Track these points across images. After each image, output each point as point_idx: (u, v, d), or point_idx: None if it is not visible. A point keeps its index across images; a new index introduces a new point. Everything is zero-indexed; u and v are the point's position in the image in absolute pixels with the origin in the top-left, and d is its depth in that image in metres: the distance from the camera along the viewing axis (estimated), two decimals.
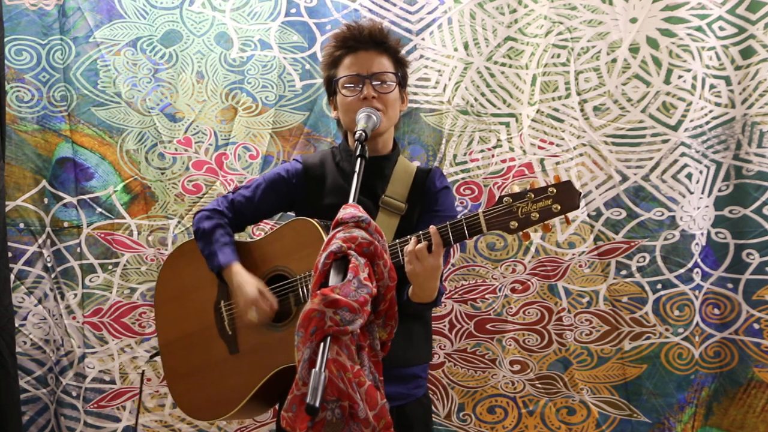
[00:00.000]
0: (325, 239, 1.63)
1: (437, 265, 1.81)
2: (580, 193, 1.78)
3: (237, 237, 2.21)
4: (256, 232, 2.83)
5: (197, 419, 2.28)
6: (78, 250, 2.87)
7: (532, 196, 1.73)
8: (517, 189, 1.77)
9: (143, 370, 2.84)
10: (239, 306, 2.06)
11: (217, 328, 2.13)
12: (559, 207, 1.72)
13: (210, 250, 2.11)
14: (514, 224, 1.75)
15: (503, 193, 1.82)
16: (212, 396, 2.12)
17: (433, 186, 2.14)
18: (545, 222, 1.75)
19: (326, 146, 2.85)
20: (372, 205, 2.06)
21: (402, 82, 2.14)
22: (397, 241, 1.88)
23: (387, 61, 2.11)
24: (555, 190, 1.72)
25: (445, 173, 2.84)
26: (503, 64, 2.84)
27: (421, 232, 1.83)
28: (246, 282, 2.04)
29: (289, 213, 2.30)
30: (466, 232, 1.80)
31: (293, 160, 2.22)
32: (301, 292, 2.00)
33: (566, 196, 1.72)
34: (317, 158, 2.20)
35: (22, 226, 2.87)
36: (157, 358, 2.41)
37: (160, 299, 2.28)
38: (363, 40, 2.10)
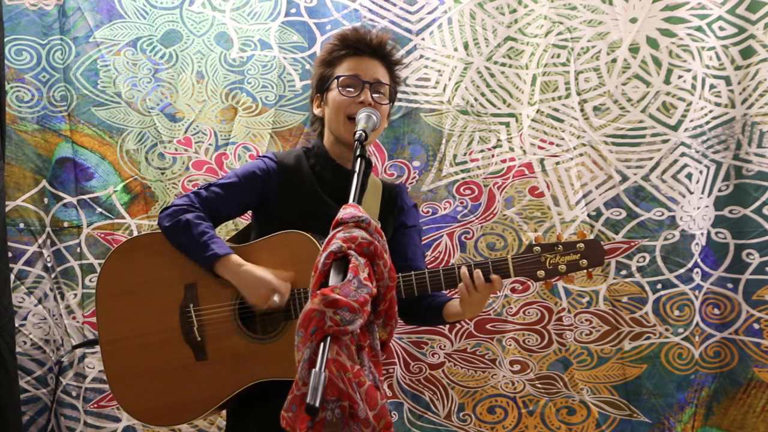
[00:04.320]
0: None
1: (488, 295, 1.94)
2: (606, 251, 1.93)
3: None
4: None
5: (146, 423, 2.16)
6: (78, 250, 2.87)
7: (561, 249, 1.88)
8: (532, 238, 1.93)
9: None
10: (255, 292, 1.93)
11: (183, 331, 2.02)
12: (586, 262, 1.88)
13: (199, 241, 1.97)
14: (541, 273, 1.89)
15: (533, 242, 1.90)
16: (171, 400, 2.02)
17: (404, 203, 2.19)
18: (570, 275, 1.89)
19: None
20: None
21: (392, 99, 2.15)
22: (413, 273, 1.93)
23: (387, 74, 2.12)
24: (583, 246, 1.88)
25: (445, 173, 2.87)
26: (503, 64, 2.84)
27: (484, 262, 1.91)
28: (256, 268, 1.95)
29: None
30: (490, 270, 1.90)
31: (266, 157, 2.13)
32: (291, 308, 1.96)
33: (593, 253, 1.88)
34: (291, 159, 2.14)
35: (22, 226, 2.87)
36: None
37: (104, 293, 2.11)
38: (370, 47, 2.09)
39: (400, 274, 1.90)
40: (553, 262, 1.87)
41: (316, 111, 2.16)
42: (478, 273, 1.87)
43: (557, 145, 2.83)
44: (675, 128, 2.77)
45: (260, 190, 2.09)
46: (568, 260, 1.87)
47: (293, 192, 2.08)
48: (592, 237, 1.89)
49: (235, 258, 1.98)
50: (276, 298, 1.91)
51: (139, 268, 2.08)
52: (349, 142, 2.04)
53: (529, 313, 2.84)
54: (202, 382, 2.00)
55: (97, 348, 2.85)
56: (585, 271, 1.89)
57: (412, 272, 1.94)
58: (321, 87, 2.14)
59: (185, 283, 2.04)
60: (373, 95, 2.06)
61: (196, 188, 2.10)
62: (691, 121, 2.77)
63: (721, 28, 2.74)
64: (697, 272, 2.78)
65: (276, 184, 2.09)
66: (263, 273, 1.94)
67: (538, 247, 1.88)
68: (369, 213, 2.05)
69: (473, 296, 1.88)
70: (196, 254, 1.99)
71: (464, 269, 1.89)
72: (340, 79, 2.07)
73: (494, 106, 2.85)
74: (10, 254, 2.83)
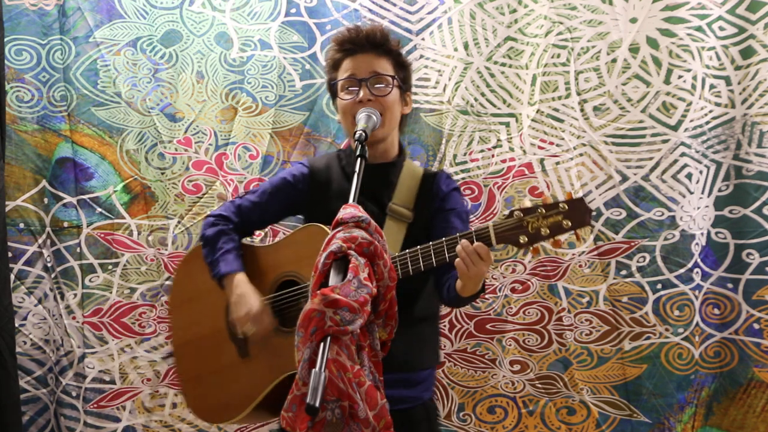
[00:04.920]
0: None
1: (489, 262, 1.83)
2: (592, 210, 1.79)
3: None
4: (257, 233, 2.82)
5: (209, 422, 2.28)
6: (78, 250, 2.87)
7: (543, 211, 1.74)
8: (528, 204, 1.77)
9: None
10: (235, 317, 2.04)
11: (228, 331, 2.12)
12: (569, 223, 1.73)
13: (212, 258, 2.11)
14: (523, 239, 1.76)
15: (514, 208, 1.81)
16: (222, 399, 2.11)
17: (440, 190, 2.13)
18: (555, 238, 1.75)
19: (326, 146, 2.85)
20: (379, 213, 2.03)
21: (402, 85, 2.12)
22: (419, 248, 1.87)
23: (386, 64, 2.09)
24: (566, 207, 1.73)
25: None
26: (503, 64, 2.84)
27: (468, 233, 1.82)
28: (249, 293, 2.04)
29: (299, 217, 2.29)
30: (474, 241, 1.80)
31: (300, 164, 2.21)
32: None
33: (577, 212, 1.73)
34: (323, 162, 2.20)
35: (22, 226, 2.87)
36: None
37: (174, 302, 2.28)
38: (360, 43, 2.09)
39: (407, 250, 1.88)
40: (535, 226, 1.75)
41: (338, 116, 2.17)
42: (465, 243, 1.80)
43: (557, 145, 2.83)
44: (675, 128, 2.77)
45: (291, 195, 2.16)
46: (551, 222, 1.74)
47: (324, 193, 2.12)
48: (578, 196, 1.75)
49: (237, 277, 2.07)
50: (252, 327, 2.02)
51: (197, 276, 2.19)
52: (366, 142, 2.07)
53: (529, 313, 2.84)
54: (245, 378, 2.07)
55: (98, 348, 2.88)
56: (571, 233, 1.76)
57: (418, 247, 1.89)
58: (333, 94, 2.16)
59: None
60: (376, 86, 2.06)
61: (236, 198, 2.22)
62: (691, 121, 2.77)
63: (721, 28, 2.74)
64: (697, 272, 2.78)
65: (308, 188, 2.15)
66: (254, 301, 2.03)
67: (519, 212, 1.76)
68: (403, 203, 2.07)
69: (471, 269, 1.80)
70: (210, 270, 2.12)
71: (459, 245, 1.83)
72: (339, 83, 2.07)
73: (494, 106, 2.85)
74: (10, 254, 2.83)
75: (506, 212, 1.81)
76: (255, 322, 2.02)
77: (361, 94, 2.03)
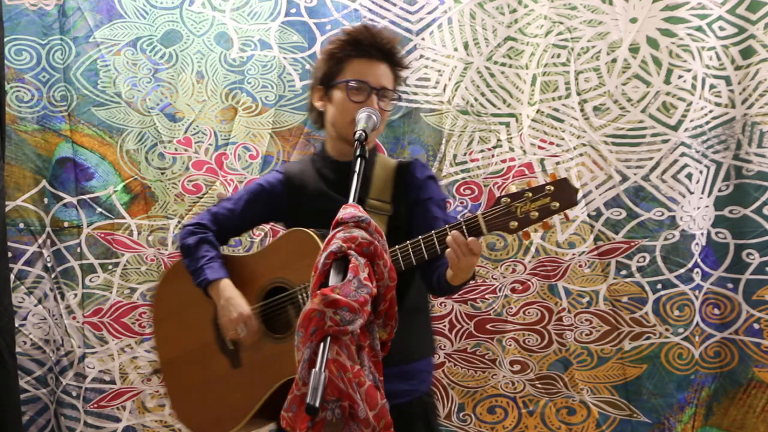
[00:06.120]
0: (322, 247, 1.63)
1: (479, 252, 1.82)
2: (577, 189, 1.80)
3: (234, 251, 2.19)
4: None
5: None
6: (78, 250, 2.87)
7: (530, 195, 1.74)
8: (514, 189, 1.77)
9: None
10: (226, 320, 2.02)
11: (218, 343, 2.09)
12: (558, 204, 1.73)
13: (195, 265, 2.07)
14: (514, 224, 1.76)
15: (501, 194, 1.80)
16: (217, 412, 2.09)
17: (415, 178, 2.11)
18: (545, 220, 1.75)
19: None
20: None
21: (396, 101, 2.15)
22: (408, 242, 1.86)
23: (392, 78, 2.08)
24: (553, 188, 1.73)
25: (445, 173, 2.86)
26: (503, 64, 2.84)
27: (457, 223, 1.81)
28: (236, 296, 2.03)
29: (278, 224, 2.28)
30: (465, 234, 1.79)
31: (275, 171, 2.20)
32: (301, 300, 1.98)
33: (564, 193, 1.73)
34: (297, 167, 2.18)
35: (22, 226, 2.87)
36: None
37: (158, 317, 2.24)
38: (381, 50, 2.06)
39: (397, 246, 1.87)
40: (524, 210, 1.75)
41: (318, 104, 2.13)
42: (456, 234, 1.79)
43: (557, 145, 2.83)
44: (675, 128, 2.77)
45: (266, 201, 2.13)
46: (540, 205, 1.74)
47: (301, 197, 2.10)
48: (561, 177, 1.78)
49: (223, 283, 2.05)
50: (243, 329, 2.00)
51: (180, 290, 2.15)
52: (352, 141, 2.05)
53: (529, 313, 2.84)
54: (238, 388, 2.04)
55: (98, 348, 2.88)
56: (561, 214, 1.77)
57: (407, 242, 1.88)
58: (327, 82, 2.12)
59: None
60: (380, 102, 2.06)
61: (212, 207, 2.19)
62: (691, 121, 2.77)
63: (721, 28, 2.74)
64: (697, 272, 2.78)
65: (284, 194, 2.12)
66: (241, 303, 2.02)
67: (507, 198, 1.76)
68: (381, 197, 2.05)
69: (462, 261, 1.80)
70: (194, 277, 2.08)
71: (450, 235, 1.81)
72: (350, 83, 2.05)
73: (494, 106, 2.85)
74: (10, 254, 2.83)
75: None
76: (246, 324, 2.00)
77: (371, 103, 2.02)
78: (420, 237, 1.85)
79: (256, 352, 2.03)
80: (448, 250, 1.80)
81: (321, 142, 2.21)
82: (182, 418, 2.18)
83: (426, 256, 1.85)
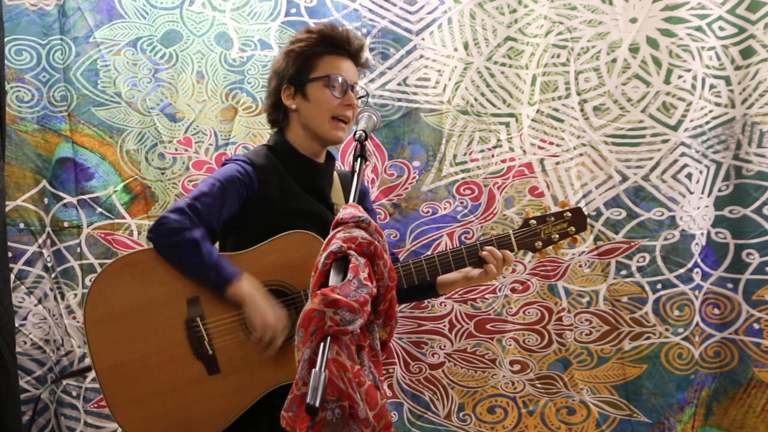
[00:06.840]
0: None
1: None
2: (586, 216, 2.19)
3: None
4: None
5: None
6: (78, 250, 2.87)
7: (552, 219, 2.12)
8: (533, 213, 2.14)
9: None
10: (268, 322, 1.90)
11: (192, 347, 1.95)
12: (573, 229, 2.13)
13: (210, 261, 1.92)
14: (538, 244, 2.12)
15: (528, 217, 2.13)
16: (184, 420, 1.95)
17: (365, 188, 2.28)
18: (560, 242, 2.14)
19: None
20: (328, 211, 2.05)
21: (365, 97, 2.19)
22: (423, 257, 2.06)
23: (357, 76, 2.12)
24: (570, 215, 2.13)
25: (445, 173, 2.87)
26: (503, 64, 2.84)
27: (489, 240, 2.11)
28: (271, 300, 1.92)
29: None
30: (496, 247, 2.08)
31: (236, 161, 2.06)
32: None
33: (578, 220, 2.14)
34: (261, 158, 2.07)
35: (22, 226, 2.87)
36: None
37: (94, 318, 1.97)
38: (353, 50, 2.08)
39: (423, 257, 2.06)
40: (547, 232, 2.12)
41: (288, 102, 2.09)
42: (493, 249, 2.08)
43: (557, 145, 2.83)
44: (675, 128, 2.77)
45: (242, 193, 2.02)
46: (559, 229, 2.13)
47: (273, 192, 2.03)
48: (575, 206, 2.19)
49: (252, 284, 1.93)
50: (282, 335, 1.92)
51: (130, 289, 1.97)
52: (329, 140, 2.08)
53: (529, 313, 2.84)
54: (217, 395, 1.94)
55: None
56: (572, 237, 2.15)
57: (435, 254, 2.08)
58: (298, 80, 2.07)
59: (187, 298, 1.96)
60: (356, 96, 2.09)
61: (186, 200, 1.97)
62: (691, 121, 2.77)
63: (721, 28, 2.74)
64: (697, 272, 2.78)
65: (256, 187, 2.02)
66: (280, 311, 1.93)
67: (534, 221, 2.12)
68: (339, 201, 2.11)
69: (498, 272, 2.08)
70: (209, 274, 1.93)
71: (486, 250, 2.08)
72: (331, 78, 2.04)
73: (494, 106, 2.85)
74: (10, 254, 2.83)
75: (519, 221, 2.20)
76: (283, 331, 1.91)
77: (349, 98, 2.04)
78: (449, 251, 2.08)
79: (239, 357, 1.95)
80: (488, 264, 2.06)
81: (274, 138, 2.14)
82: (130, 427, 1.96)
83: (453, 268, 2.08)
